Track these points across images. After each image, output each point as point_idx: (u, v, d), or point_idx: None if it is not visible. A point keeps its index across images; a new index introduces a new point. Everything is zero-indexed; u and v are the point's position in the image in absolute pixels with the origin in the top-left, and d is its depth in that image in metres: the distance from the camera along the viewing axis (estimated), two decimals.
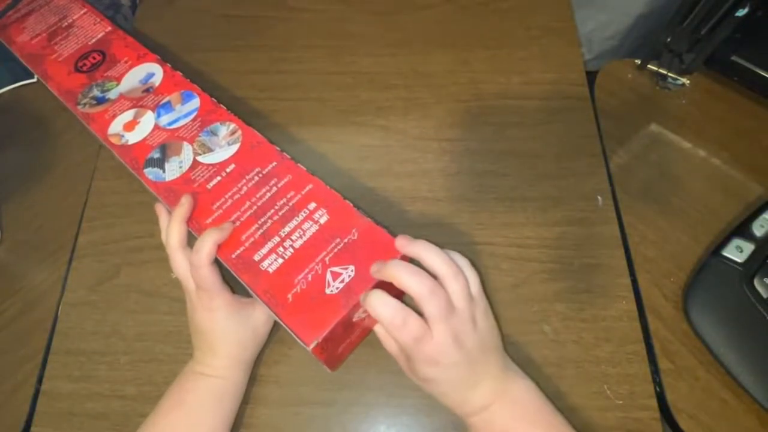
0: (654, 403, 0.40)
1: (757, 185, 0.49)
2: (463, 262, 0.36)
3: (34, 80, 0.58)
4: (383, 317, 0.33)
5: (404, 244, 0.35)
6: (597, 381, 0.41)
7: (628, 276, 0.45)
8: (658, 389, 0.41)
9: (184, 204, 0.38)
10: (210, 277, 0.36)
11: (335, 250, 0.36)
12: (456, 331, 0.33)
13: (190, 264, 0.36)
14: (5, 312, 0.46)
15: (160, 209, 0.42)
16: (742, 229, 0.44)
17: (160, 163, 0.43)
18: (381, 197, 0.49)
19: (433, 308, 0.33)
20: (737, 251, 0.43)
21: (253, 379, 0.42)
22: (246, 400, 0.41)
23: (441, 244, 0.47)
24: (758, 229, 0.44)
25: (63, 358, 0.44)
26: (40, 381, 0.43)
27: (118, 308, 0.46)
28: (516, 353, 0.42)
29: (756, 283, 0.42)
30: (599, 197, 0.49)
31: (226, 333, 0.38)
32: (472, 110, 0.54)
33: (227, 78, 0.57)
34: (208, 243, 0.36)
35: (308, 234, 0.37)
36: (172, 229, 0.38)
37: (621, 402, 0.40)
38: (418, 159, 0.51)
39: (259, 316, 0.40)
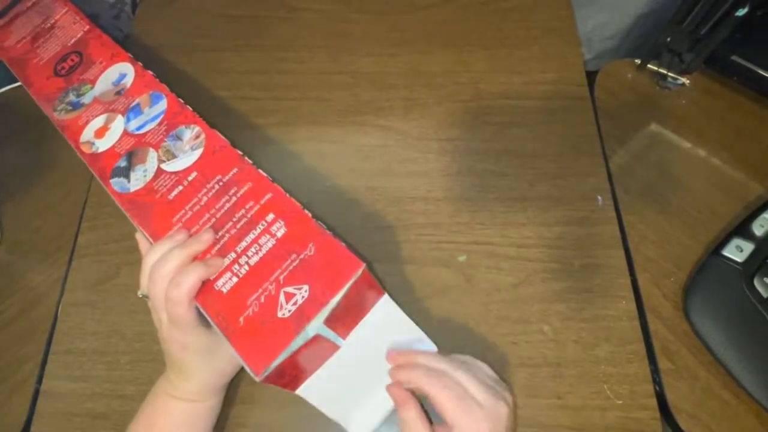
0: (654, 403, 0.40)
1: (757, 185, 0.49)
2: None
3: None
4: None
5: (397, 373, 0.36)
6: (597, 381, 0.41)
7: (628, 276, 0.45)
8: (658, 389, 0.41)
9: (203, 242, 0.35)
10: (186, 315, 0.33)
11: (290, 267, 0.34)
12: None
13: (168, 298, 0.32)
14: (5, 312, 0.46)
15: (140, 238, 0.40)
16: (742, 229, 0.44)
17: (125, 173, 0.41)
18: (381, 197, 0.49)
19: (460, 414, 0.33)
20: (737, 251, 0.43)
21: (250, 379, 0.41)
22: (243, 400, 0.41)
23: (441, 244, 0.47)
24: (758, 229, 0.44)
25: (63, 358, 0.44)
26: (40, 381, 0.43)
27: (118, 308, 0.46)
28: (516, 353, 0.42)
29: (756, 282, 0.42)
30: (599, 197, 0.49)
31: (199, 366, 0.36)
32: (472, 110, 0.54)
33: (227, 78, 0.57)
34: (191, 278, 0.32)
35: (264, 249, 0.35)
36: (173, 257, 0.33)
37: (621, 402, 0.40)
38: (418, 159, 0.51)
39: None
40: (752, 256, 0.43)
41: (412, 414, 0.34)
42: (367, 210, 0.49)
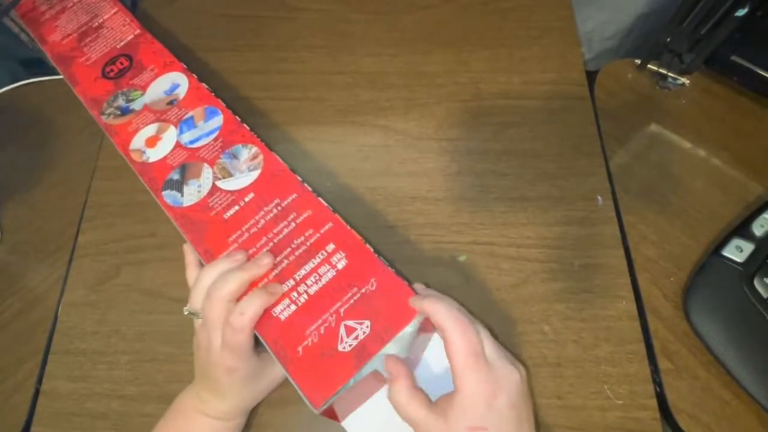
0: (654, 403, 0.40)
1: (757, 185, 0.49)
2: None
3: (33, 80, 0.58)
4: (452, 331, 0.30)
5: (416, 299, 0.33)
6: (597, 381, 0.41)
7: (628, 276, 0.45)
8: (658, 389, 0.41)
9: (263, 267, 0.35)
10: (246, 343, 0.33)
11: (351, 300, 0.33)
12: (492, 387, 0.30)
13: (229, 324, 0.32)
14: (5, 312, 0.46)
15: (188, 251, 0.40)
16: (742, 229, 0.44)
17: (178, 186, 0.40)
18: (381, 197, 0.49)
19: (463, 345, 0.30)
20: (737, 251, 0.43)
21: None
22: (265, 402, 0.41)
23: (441, 244, 0.47)
24: (758, 229, 0.44)
25: (63, 358, 0.44)
26: (40, 381, 0.43)
27: (118, 308, 0.46)
28: (516, 353, 0.42)
29: (756, 283, 0.42)
30: (599, 197, 0.49)
31: (239, 390, 0.36)
32: (472, 110, 0.54)
33: (227, 78, 0.57)
34: (255, 306, 0.32)
35: (324, 280, 0.34)
36: (233, 279, 0.33)
37: (621, 402, 0.40)
38: (418, 159, 0.51)
39: (277, 374, 0.38)
40: (752, 256, 0.43)
41: (402, 383, 0.31)
42: (367, 210, 0.49)
